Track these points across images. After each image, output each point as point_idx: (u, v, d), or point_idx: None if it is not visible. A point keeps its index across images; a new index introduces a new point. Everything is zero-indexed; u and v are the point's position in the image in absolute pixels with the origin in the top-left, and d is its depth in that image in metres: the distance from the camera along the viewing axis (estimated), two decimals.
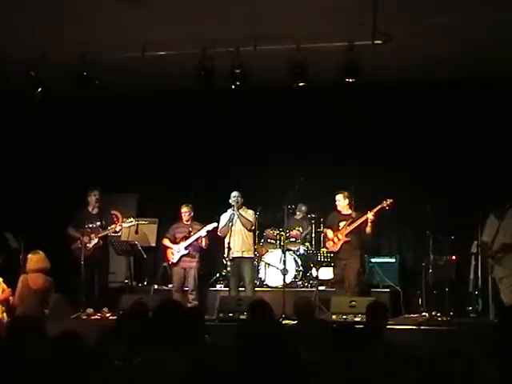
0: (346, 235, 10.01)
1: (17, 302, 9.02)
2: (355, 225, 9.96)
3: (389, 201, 9.86)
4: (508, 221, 9.49)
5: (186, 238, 10.62)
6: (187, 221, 10.75)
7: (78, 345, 4.16)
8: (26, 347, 4.36)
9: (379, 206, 9.90)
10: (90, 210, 10.80)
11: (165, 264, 11.40)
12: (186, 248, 10.60)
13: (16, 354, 4.30)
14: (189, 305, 10.07)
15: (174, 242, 10.72)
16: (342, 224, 10.09)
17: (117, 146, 12.37)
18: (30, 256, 9.20)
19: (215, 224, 10.56)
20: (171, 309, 5.28)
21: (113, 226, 10.69)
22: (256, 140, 12.00)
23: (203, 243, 10.59)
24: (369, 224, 9.88)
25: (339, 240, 10.07)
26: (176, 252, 10.64)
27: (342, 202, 10.16)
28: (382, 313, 6.45)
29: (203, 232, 10.52)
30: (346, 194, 10.19)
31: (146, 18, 8.60)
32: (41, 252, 9.18)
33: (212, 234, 10.81)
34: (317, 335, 5.27)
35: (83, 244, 10.44)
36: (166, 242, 10.81)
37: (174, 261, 10.68)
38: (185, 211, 10.72)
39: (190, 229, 10.66)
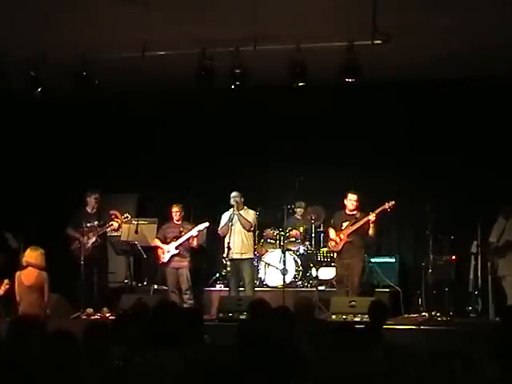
0: (348, 235, 9.97)
1: (17, 298, 9.12)
2: (357, 225, 9.92)
3: (391, 202, 9.81)
4: None
5: (177, 237, 10.59)
6: (178, 220, 10.70)
7: (74, 344, 4.15)
8: (26, 347, 4.36)
9: (381, 208, 9.85)
10: (89, 210, 10.78)
11: None
12: (176, 248, 10.56)
13: (16, 353, 4.30)
14: (184, 305, 10.04)
15: (165, 242, 10.68)
16: (344, 224, 10.05)
17: (116, 146, 12.37)
18: (27, 250, 9.23)
19: (207, 224, 10.54)
20: (168, 309, 5.28)
21: (110, 223, 10.69)
22: (256, 140, 12.00)
23: (194, 243, 10.57)
24: (371, 225, 9.85)
25: (341, 240, 10.02)
26: (166, 252, 10.60)
27: (356, 203, 10.06)
28: (383, 312, 6.48)
29: (194, 232, 10.48)
30: (358, 194, 10.13)
31: (146, 18, 8.60)
32: (40, 249, 9.19)
33: (211, 234, 10.79)
34: (316, 335, 5.27)
35: (82, 243, 10.43)
36: (157, 242, 10.75)
37: (165, 261, 10.62)
38: (175, 211, 10.66)
39: (181, 229, 10.62)
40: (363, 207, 10.11)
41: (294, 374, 3.89)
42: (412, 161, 11.41)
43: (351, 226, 9.97)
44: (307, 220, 11.57)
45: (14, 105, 11.52)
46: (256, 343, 3.87)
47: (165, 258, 10.61)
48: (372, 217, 9.80)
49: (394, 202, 9.82)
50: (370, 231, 9.89)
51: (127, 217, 10.86)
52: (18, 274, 9.18)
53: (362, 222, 9.90)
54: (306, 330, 5.45)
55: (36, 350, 4.25)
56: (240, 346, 4.16)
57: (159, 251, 10.71)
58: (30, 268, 9.12)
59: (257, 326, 5.03)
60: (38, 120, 12.14)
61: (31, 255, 9.16)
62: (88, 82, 9.46)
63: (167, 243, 10.64)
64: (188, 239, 10.53)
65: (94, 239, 10.56)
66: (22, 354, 4.27)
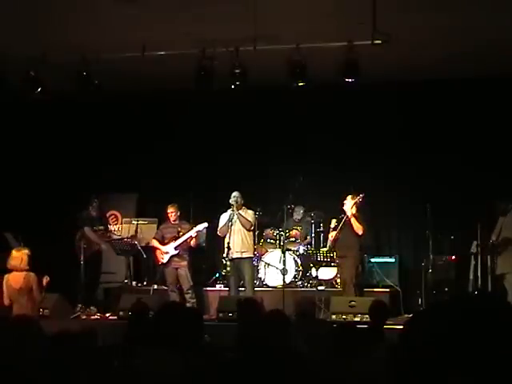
0: (336, 234, 10.05)
1: (7, 301, 8.84)
2: (340, 224, 10.01)
3: (360, 195, 9.89)
4: (510, 217, 9.56)
5: (176, 238, 10.58)
6: (174, 221, 10.70)
7: (74, 344, 4.15)
8: (23, 347, 4.35)
9: (353, 203, 9.91)
10: (94, 214, 10.79)
11: None
12: (175, 248, 10.56)
13: (13, 354, 4.30)
14: (188, 304, 10.04)
15: (163, 242, 10.68)
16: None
17: (117, 146, 12.37)
18: (12, 252, 9.03)
19: (206, 224, 10.54)
20: (174, 310, 5.27)
21: (112, 228, 10.77)
22: (256, 140, 12.00)
23: (192, 243, 10.57)
24: (352, 222, 9.86)
25: (329, 240, 10.18)
26: (165, 253, 10.59)
27: (345, 203, 10.10)
28: (383, 312, 6.50)
29: (193, 232, 10.50)
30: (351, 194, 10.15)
31: (146, 18, 8.62)
32: (23, 250, 8.91)
33: (211, 234, 10.79)
34: (317, 335, 5.27)
35: (94, 243, 10.53)
36: (155, 242, 10.74)
37: (164, 261, 10.61)
38: (171, 211, 10.65)
39: (179, 229, 10.61)
40: (363, 207, 10.10)
41: (293, 374, 3.89)
42: (412, 161, 11.41)
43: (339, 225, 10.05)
44: (305, 223, 11.59)
45: (14, 105, 11.52)
46: (256, 344, 3.87)
47: (164, 259, 10.61)
48: (349, 213, 9.86)
49: (362, 195, 9.89)
50: (355, 228, 9.90)
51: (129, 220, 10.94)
52: (6, 276, 8.86)
53: (343, 221, 9.97)
54: (306, 330, 5.45)
55: (32, 350, 4.25)
56: (239, 346, 4.16)
57: (158, 252, 10.70)
58: (16, 271, 8.94)
59: (255, 326, 5.03)
60: (38, 120, 12.14)
61: (15, 257, 8.86)
62: (88, 82, 9.47)
63: (165, 244, 10.62)
64: (186, 239, 10.54)
65: (104, 246, 10.74)
66: (18, 354, 4.27)
